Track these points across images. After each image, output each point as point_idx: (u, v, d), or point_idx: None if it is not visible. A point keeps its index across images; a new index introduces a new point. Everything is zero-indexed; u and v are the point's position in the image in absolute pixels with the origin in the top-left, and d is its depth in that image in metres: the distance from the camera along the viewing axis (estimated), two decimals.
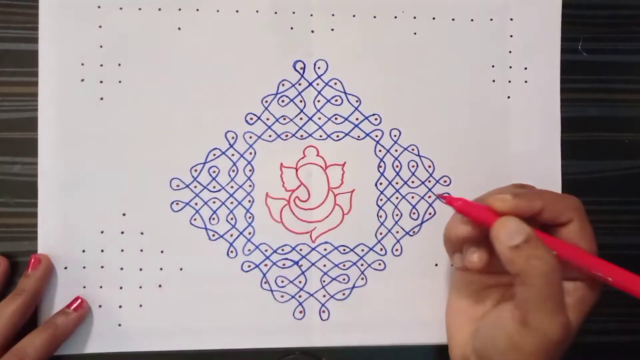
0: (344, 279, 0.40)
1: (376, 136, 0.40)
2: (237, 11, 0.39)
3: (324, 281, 0.40)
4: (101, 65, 0.39)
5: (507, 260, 0.30)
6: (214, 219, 0.39)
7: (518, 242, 0.30)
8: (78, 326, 0.38)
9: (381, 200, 0.40)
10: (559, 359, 0.31)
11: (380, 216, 0.40)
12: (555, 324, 0.29)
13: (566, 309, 0.30)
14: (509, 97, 0.41)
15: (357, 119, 0.40)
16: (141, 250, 0.39)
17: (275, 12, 0.40)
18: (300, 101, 0.40)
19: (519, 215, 0.31)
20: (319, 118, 0.40)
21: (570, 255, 0.31)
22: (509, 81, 0.41)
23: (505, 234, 0.30)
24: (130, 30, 0.39)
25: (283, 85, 0.40)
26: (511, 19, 0.41)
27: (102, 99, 0.39)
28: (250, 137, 0.39)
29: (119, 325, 0.38)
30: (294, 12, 0.40)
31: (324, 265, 0.40)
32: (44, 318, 0.37)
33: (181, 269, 0.39)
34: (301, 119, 0.40)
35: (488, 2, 0.41)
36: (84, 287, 0.38)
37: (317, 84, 0.40)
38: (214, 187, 0.39)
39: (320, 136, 0.40)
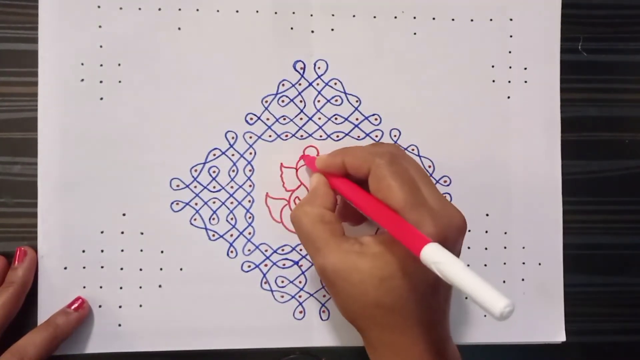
0: None
1: (376, 136, 0.40)
2: (237, 11, 0.39)
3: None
4: (101, 65, 0.39)
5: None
6: (214, 219, 0.39)
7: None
8: (78, 326, 0.38)
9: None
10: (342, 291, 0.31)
11: None
12: (316, 267, 0.32)
13: (328, 248, 0.31)
14: (509, 97, 0.41)
15: (357, 119, 0.40)
16: (141, 251, 0.39)
17: (275, 12, 0.40)
18: (300, 101, 0.40)
19: (330, 171, 0.34)
20: (319, 118, 0.40)
21: (356, 204, 0.32)
22: (509, 81, 0.41)
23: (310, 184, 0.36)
24: (130, 30, 0.39)
25: (283, 85, 0.40)
26: (511, 19, 0.41)
27: (102, 98, 0.39)
28: (251, 137, 0.39)
29: (119, 325, 0.38)
30: (294, 12, 0.40)
31: None
32: (44, 318, 0.37)
33: (181, 269, 0.39)
34: (301, 119, 0.40)
35: (488, 2, 0.41)
36: (84, 287, 0.38)
37: (317, 84, 0.40)
38: (214, 187, 0.39)
39: (320, 136, 0.40)
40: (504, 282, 0.40)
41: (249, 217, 0.39)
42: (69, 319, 0.37)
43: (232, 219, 0.39)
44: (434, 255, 0.25)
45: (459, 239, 0.31)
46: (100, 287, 0.38)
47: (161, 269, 0.39)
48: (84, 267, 0.38)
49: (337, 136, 0.40)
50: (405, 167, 0.31)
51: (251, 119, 0.39)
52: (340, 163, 0.33)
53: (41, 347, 0.35)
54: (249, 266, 0.39)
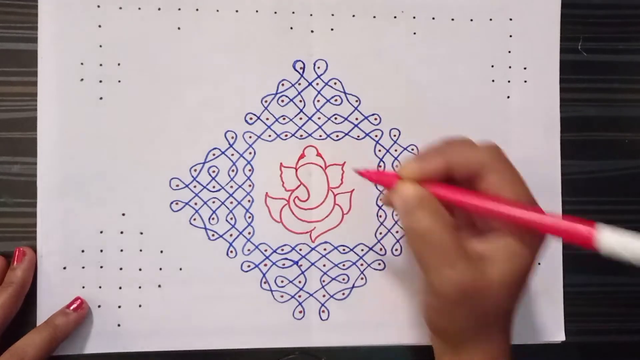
0: (343, 279, 0.40)
1: (376, 136, 0.40)
2: (237, 11, 0.39)
3: (323, 281, 0.39)
4: (101, 64, 0.39)
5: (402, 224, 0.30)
6: (213, 218, 0.39)
7: (409, 209, 0.29)
8: (77, 327, 0.38)
9: (381, 200, 0.40)
10: (471, 315, 0.29)
11: (380, 216, 0.40)
12: (442, 279, 0.28)
13: (468, 264, 0.28)
14: (508, 97, 0.41)
15: (356, 119, 0.40)
16: (140, 250, 0.39)
17: (275, 12, 0.40)
18: (300, 101, 0.40)
19: (425, 178, 0.30)
20: (319, 118, 0.40)
21: (480, 209, 0.29)
22: (509, 81, 0.41)
23: (399, 201, 0.30)
24: (130, 29, 0.39)
25: (283, 85, 0.40)
26: (510, 19, 0.41)
27: (101, 98, 0.39)
28: (250, 137, 0.39)
29: (119, 325, 0.38)
30: (293, 12, 0.40)
31: (324, 265, 0.40)
32: (43, 318, 0.37)
33: (181, 269, 0.39)
34: (301, 118, 0.40)
35: (488, 2, 0.41)
36: (83, 287, 0.38)
37: (317, 84, 0.40)
38: (214, 187, 0.39)
39: (320, 136, 0.40)
40: None
41: (249, 217, 0.39)
42: (68, 319, 0.37)
43: (231, 218, 0.39)
44: (614, 238, 0.25)
45: None
46: (100, 287, 0.38)
47: (161, 269, 0.39)
48: (83, 267, 0.38)
49: (337, 136, 0.40)
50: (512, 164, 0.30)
51: (251, 118, 0.39)
52: (441, 166, 0.29)
53: (40, 348, 0.35)
54: (249, 266, 0.39)
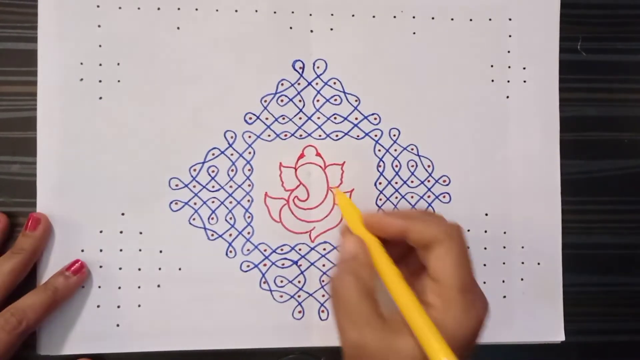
0: None
1: (375, 136, 0.40)
2: (236, 11, 0.39)
3: (323, 281, 0.39)
4: (100, 64, 0.39)
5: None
6: (213, 218, 0.39)
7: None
8: (77, 289, 0.38)
9: (380, 199, 0.40)
10: None
11: None
12: (345, 340, 0.30)
13: (374, 331, 0.29)
14: (508, 97, 0.41)
15: (356, 119, 0.40)
16: (140, 250, 0.39)
17: (275, 12, 0.40)
18: (300, 101, 0.40)
19: (380, 234, 0.32)
20: (318, 117, 0.40)
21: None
22: (508, 81, 0.41)
23: (340, 249, 0.33)
24: (130, 29, 0.39)
25: (282, 84, 0.40)
26: (510, 19, 0.41)
27: (101, 98, 0.39)
28: (250, 137, 0.39)
29: (118, 325, 0.38)
30: (293, 12, 0.40)
31: (323, 265, 0.40)
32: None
33: (180, 269, 0.39)
34: (300, 118, 0.40)
35: (487, 2, 0.41)
36: (83, 286, 0.38)
37: (316, 84, 0.40)
38: (213, 187, 0.39)
39: (320, 136, 0.40)
40: (503, 281, 0.40)
41: (248, 217, 0.39)
42: (68, 282, 0.37)
43: (231, 218, 0.39)
44: None
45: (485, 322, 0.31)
46: (99, 287, 0.38)
47: (160, 269, 0.39)
48: None
49: (337, 135, 0.40)
50: (466, 248, 0.31)
51: (250, 118, 0.39)
52: (398, 228, 0.31)
53: (40, 311, 0.35)
54: (248, 266, 0.39)
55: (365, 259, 0.32)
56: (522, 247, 0.40)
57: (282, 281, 0.39)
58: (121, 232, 0.38)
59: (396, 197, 0.40)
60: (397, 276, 0.30)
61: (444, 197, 0.40)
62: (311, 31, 0.40)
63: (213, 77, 0.39)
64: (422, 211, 0.34)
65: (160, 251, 0.39)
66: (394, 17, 0.40)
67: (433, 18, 0.40)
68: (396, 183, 0.40)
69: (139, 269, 0.39)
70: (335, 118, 0.40)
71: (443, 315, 0.28)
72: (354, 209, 0.35)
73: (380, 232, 0.32)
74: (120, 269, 0.38)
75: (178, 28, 0.39)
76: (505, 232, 0.41)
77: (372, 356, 0.29)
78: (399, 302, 0.30)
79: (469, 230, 0.40)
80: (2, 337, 0.34)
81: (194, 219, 0.39)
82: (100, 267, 0.38)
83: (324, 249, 0.40)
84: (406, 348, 0.28)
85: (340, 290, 0.31)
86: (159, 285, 0.39)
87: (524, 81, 0.41)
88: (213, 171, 0.39)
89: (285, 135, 0.40)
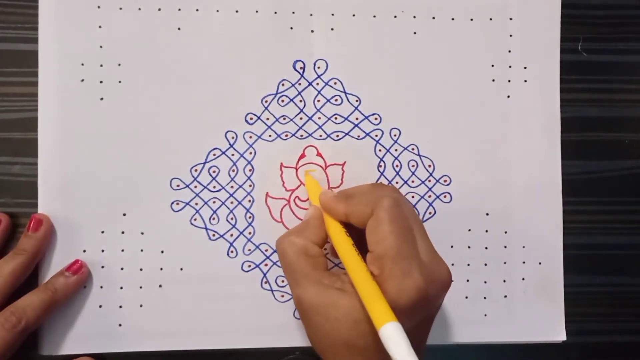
0: None
1: (376, 136, 0.40)
2: (236, 11, 0.39)
3: None
4: (101, 65, 0.39)
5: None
6: (214, 218, 0.39)
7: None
8: (78, 289, 0.38)
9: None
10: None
11: None
12: (294, 297, 0.32)
13: (309, 282, 0.31)
14: (508, 97, 0.41)
15: (357, 119, 0.40)
16: (141, 250, 0.39)
17: (275, 12, 0.40)
18: (300, 101, 0.40)
19: (329, 215, 0.34)
20: (319, 118, 0.40)
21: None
22: (509, 80, 0.41)
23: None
24: (130, 30, 0.39)
25: (283, 85, 0.40)
26: (511, 19, 0.41)
27: (102, 99, 0.39)
28: (250, 137, 0.39)
29: (120, 325, 0.38)
30: (293, 12, 0.40)
31: None
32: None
33: (181, 269, 0.39)
34: (301, 118, 0.40)
35: (488, 1, 0.41)
36: (85, 286, 0.38)
37: (317, 84, 0.40)
38: (214, 187, 0.39)
39: (320, 136, 0.40)
40: (504, 281, 0.40)
41: (249, 217, 0.39)
42: (67, 282, 0.37)
43: (232, 218, 0.39)
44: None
45: (442, 293, 0.31)
46: (101, 287, 0.38)
47: (161, 269, 0.39)
48: None
49: (337, 136, 0.40)
50: (405, 215, 0.31)
51: (251, 118, 0.39)
52: (342, 212, 0.33)
53: (40, 310, 0.35)
54: (249, 266, 0.39)
55: (314, 223, 0.34)
56: (523, 247, 0.41)
57: (283, 281, 0.39)
58: (123, 232, 0.39)
59: None
60: (347, 243, 0.32)
61: (445, 197, 0.40)
62: (312, 31, 0.40)
63: (214, 78, 0.39)
64: (366, 186, 0.34)
65: (162, 251, 0.39)
66: (395, 17, 0.40)
67: (434, 18, 0.40)
68: (397, 183, 0.40)
69: (141, 269, 0.39)
70: (336, 118, 0.40)
71: (382, 285, 0.28)
72: (318, 187, 0.37)
73: (331, 215, 0.34)
74: (121, 269, 0.39)
75: (179, 29, 0.39)
76: (506, 232, 0.41)
77: (312, 309, 0.30)
78: (346, 264, 0.31)
79: (469, 230, 0.40)
80: (2, 335, 0.34)
81: (195, 220, 0.39)
82: (102, 267, 0.38)
83: (325, 249, 0.40)
84: (347, 305, 0.29)
85: (280, 249, 0.33)
86: (160, 286, 0.39)
87: (525, 81, 0.41)
88: (214, 171, 0.39)
89: (286, 136, 0.40)
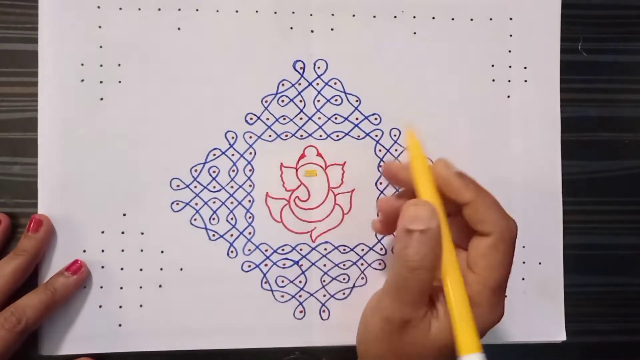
0: (344, 279, 0.40)
1: (376, 136, 0.40)
2: (236, 11, 0.39)
3: (324, 281, 0.40)
4: (101, 65, 0.39)
5: (396, 237, 0.30)
6: (214, 219, 0.39)
7: (414, 228, 0.29)
8: (77, 289, 0.38)
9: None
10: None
11: None
12: (389, 313, 0.30)
13: (419, 304, 0.29)
14: (508, 97, 0.41)
15: (357, 119, 0.40)
16: (141, 251, 0.39)
17: (275, 12, 0.40)
18: (300, 101, 0.40)
19: (446, 193, 0.31)
20: (319, 118, 0.40)
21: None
22: (509, 80, 0.41)
23: (410, 214, 0.29)
24: (130, 30, 0.39)
25: (283, 85, 0.40)
26: (511, 19, 0.41)
27: (102, 99, 0.39)
28: (250, 137, 0.39)
29: (120, 325, 0.38)
30: (293, 12, 0.40)
31: (324, 265, 0.40)
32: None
33: (181, 269, 0.39)
34: (301, 118, 0.40)
35: (488, 1, 0.41)
36: (85, 287, 0.38)
37: (317, 84, 0.40)
38: (214, 187, 0.39)
39: (320, 136, 0.40)
40: None
41: (249, 217, 0.39)
42: (67, 282, 0.37)
43: (232, 218, 0.39)
44: None
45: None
46: (101, 287, 0.38)
47: (161, 269, 0.39)
48: None
49: (337, 136, 0.40)
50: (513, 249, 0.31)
51: (251, 118, 0.39)
52: (466, 200, 0.30)
53: (39, 310, 0.35)
54: (249, 266, 0.39)
55: (437, 232, 0.29)
56: (523, 247, 0.41)
57: (283, 281, 0.39)
58: (123, 232, 0.39)
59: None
60: (455, 267, 0.29)
61: None
62: (312, 31, 0.40)
63: (214, 78, 0.39)
64: (481, 188, 0.31)
65: (162, 251, 0.39)
66: (395, 17, 0.40)
67: (434, 18, 0.40)
68: None
69: (141, 269, 0.39)
70: (336, 118, 0.40)
71: (473, 308, 0.29)
72: (424, 161, 0.32)
73: (450, 195, 0.30)
74: (122, 269, 0.39)
75: (179, 29, 0.39)
76: None
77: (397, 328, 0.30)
78: (447, 285, 0.29)
79: None
80: (1, 335, 0.34)
81: (195, 220, 0.39)
82: (102, 267, 0.38)
83: (325, 249, 0.40)
84: (436, 332, 0.29)
85: (414, 261, 0.29)
86: (160, 286, 0.39)
87: (525, 81, 0.41)
88: (214, 172, 0.39)
89: (286, 136, 0.40)
